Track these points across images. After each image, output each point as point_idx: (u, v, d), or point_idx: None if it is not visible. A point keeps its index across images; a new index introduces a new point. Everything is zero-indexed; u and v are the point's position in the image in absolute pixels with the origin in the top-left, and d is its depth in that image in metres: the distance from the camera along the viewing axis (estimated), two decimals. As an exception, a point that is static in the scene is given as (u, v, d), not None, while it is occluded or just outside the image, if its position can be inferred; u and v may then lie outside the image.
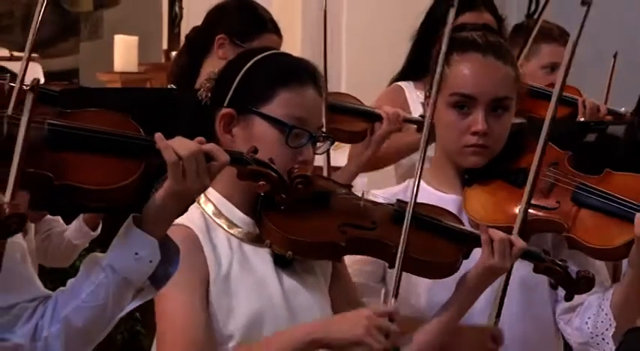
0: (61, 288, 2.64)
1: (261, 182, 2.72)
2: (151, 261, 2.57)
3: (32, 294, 2.65)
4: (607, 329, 3.23)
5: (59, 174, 2.54)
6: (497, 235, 3.02)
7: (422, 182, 3.29)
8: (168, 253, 2.62)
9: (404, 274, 3.00)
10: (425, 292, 3.12)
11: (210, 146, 2.62)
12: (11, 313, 2.60)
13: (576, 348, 3.32)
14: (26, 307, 2.63)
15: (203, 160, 2.60)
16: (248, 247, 2.94)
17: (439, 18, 4.69)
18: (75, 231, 4.07)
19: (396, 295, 2.94)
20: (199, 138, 2.61)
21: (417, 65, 4.65)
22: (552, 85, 5.16)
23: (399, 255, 2.95)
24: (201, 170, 2.60)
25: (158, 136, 2.58)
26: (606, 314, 3.23)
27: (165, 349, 2.90)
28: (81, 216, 4.11)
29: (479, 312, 3.15)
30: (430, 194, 3.26)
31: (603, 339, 3.23)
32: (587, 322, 3.26)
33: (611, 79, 5.08)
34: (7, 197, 2.44)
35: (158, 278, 2.62)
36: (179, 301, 2.85)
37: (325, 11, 4.76)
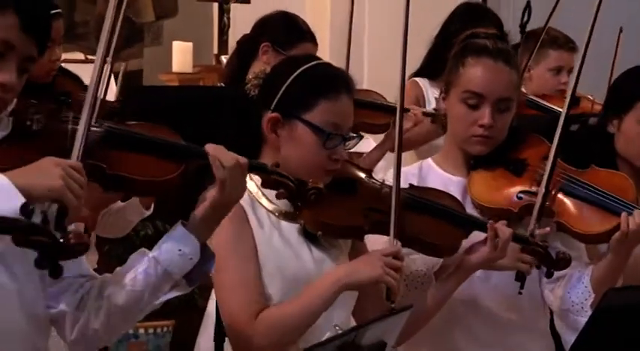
0: (108, 274, 2.65)
1: (280, 190, 2.76)
2: (191, 258, 2.58)
3: (80, 271, 2.64)
4: (586, 299, 3.28)
5: (111, 166, 2.57)
6: (504, 233, 3.07)
7: (433, 164, 3.39)
8: (206, 256, 2.62)
9: None
10: None
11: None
12: (60, 285, 2.58)
13: (558, 313, 3.36)
14: (74, 281, 2.62)
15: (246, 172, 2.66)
16: (284, 223, 2.98)
17: (452, 31, 4.74)
18: (132, 209, 4.09)
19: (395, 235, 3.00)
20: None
21: (432, 68, 4.71)
22: (544, 96, 5.23)
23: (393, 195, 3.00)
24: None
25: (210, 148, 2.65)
26: (586, 287, 3.28)
27: (231, 315, 2.94)
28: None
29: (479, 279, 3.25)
30: (440, 175, 3.33)
31: (582, 307, 3.26)
32: (569, 292, 3.30)
33: (616, 53, 5.07)
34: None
35: (193, 277, 2.62)
36: (237, 271, 2.89)
37: (351, 22, 4.80)
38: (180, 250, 2.57)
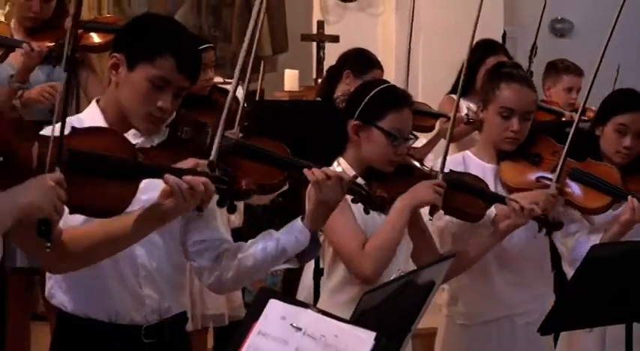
0: (242, 242, 2.59)
1: (355, 197, 2.68)
2: (302, 244, 2.53)
3: (218, 236, 2.59)
4: None
5: (235, 168, 2.49)
6: (527, 207, 3.08)
7: (471, 155, 3.38)
8: (314, 241, 2.56)
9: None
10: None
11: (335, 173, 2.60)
12: (202, 246, 2.54)
13: (569, 260, 3.37)
14: (213, 243, 2.55)
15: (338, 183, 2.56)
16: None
17: (475, 60, 4.72)
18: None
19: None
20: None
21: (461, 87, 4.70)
22: (545, 101, 5.23)
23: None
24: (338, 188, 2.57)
25: (306, 171, 2.56)
26: None
27: (345, 250, 2.93)
28: None
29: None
30: (478, 163, 3.31)
31: None
32: (581, 249, 3.25)
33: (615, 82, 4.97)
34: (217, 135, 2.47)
35: (302, 256, 2.58)
36: (343, 220, 2.86)
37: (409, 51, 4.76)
38: (296, 237, 2.54)
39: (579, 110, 3.49)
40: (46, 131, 2.26)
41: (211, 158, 2.43)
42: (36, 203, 2.05)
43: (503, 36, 6.52)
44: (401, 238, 2.93)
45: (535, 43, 5.77)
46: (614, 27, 3.34)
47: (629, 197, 3.27)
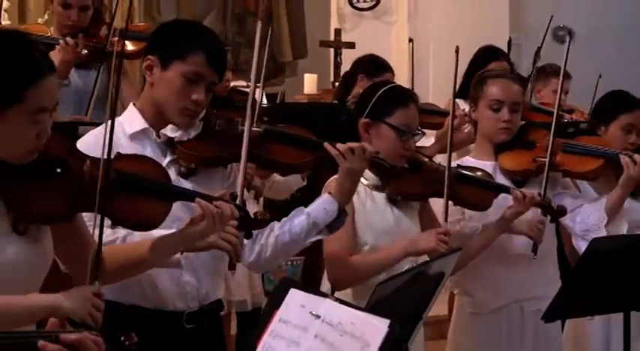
0: (276, 221, 2.61)
1: (379, 170, 2.75)
2: (331, 215, 2.57)
3: None
4: (601, 221, 3.25)
5: (267, 153, 2.57)
6: (530, 193, 3.09)
7: (470, 158, 3.35)
8: (341, 213, 2.60)
9: None
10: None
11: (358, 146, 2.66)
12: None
13: (580, 234, 3.30)
14: None
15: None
16: (375, 193, 2.97)
17: (478, 65, 4.68)
18: (294, 180, 4.07)
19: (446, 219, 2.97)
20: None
21: (465, 90, 4.69)
22: (543, 103, 5.20)
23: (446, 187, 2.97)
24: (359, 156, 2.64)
25: (326, 144, 2.63)
26: (601, 213, 3.26)
27: (330, 251, 2.91)
28: None
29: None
30: (476, 163, 3.28)
31: (599, 227, 3.24)
32: (589, 217, 3.24)
33: (597, 86, 4.98)
34: (241, 168, 2.48)
35: (332, 226, 2.61)
36: None
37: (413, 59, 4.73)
38: (325, 208, 2.59)
39: (556, 100, 3.49)
40: (90, 144, 2.33)
41: (232, 191, 2.46)
42: (71, 307, 2.06)
43: (509, 42, 6.50)
44: (384, 270, 2.86)
45: (539, 48, 5.73)
46: (568, 45, 3.54)
47: (621, 155, 3.29)
